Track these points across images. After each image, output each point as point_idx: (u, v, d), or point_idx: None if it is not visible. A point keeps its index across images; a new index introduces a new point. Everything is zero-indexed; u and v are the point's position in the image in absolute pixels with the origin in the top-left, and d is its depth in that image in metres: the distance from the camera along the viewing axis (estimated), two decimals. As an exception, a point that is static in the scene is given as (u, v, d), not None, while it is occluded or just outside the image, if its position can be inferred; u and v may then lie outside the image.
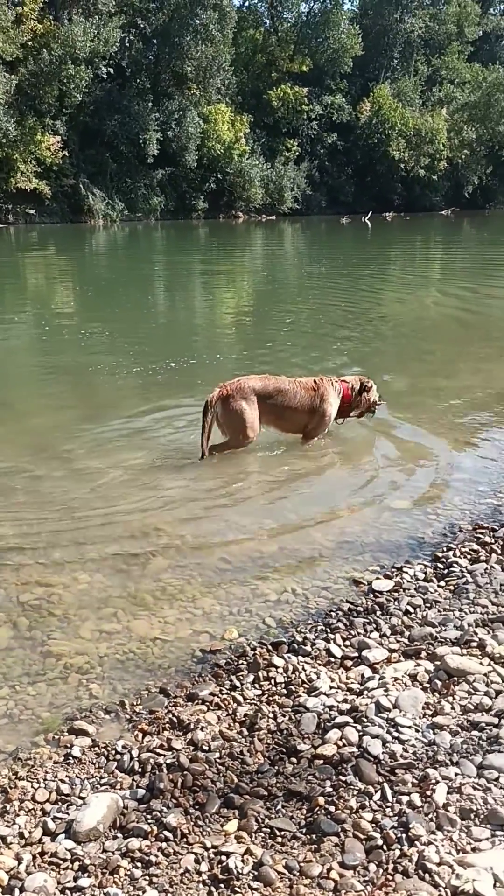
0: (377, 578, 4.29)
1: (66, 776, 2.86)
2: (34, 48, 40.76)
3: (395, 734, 2.90)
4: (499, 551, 4.52)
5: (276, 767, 2.81)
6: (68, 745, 3.05)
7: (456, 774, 2.68)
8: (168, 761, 2.88)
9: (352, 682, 3.31)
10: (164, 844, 2.49)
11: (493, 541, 4.66)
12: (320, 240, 38.42)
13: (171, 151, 47.75)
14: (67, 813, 2.66)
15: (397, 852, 2.37)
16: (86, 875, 2.39)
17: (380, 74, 63.22)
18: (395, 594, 4.11)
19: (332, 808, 2.57)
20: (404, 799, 2.58)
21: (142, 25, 46.44)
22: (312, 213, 56.49)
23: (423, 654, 3.46)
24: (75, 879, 2.38)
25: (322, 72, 57.35)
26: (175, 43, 47.16)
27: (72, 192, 44.36)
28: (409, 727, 2.93)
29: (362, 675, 3.34)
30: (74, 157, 43.98)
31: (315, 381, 6.28)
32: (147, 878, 2.37)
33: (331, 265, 24.24)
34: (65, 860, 2.45)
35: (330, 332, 12.33)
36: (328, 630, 3.78)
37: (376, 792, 2.63)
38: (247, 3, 58.82)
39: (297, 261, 27.55)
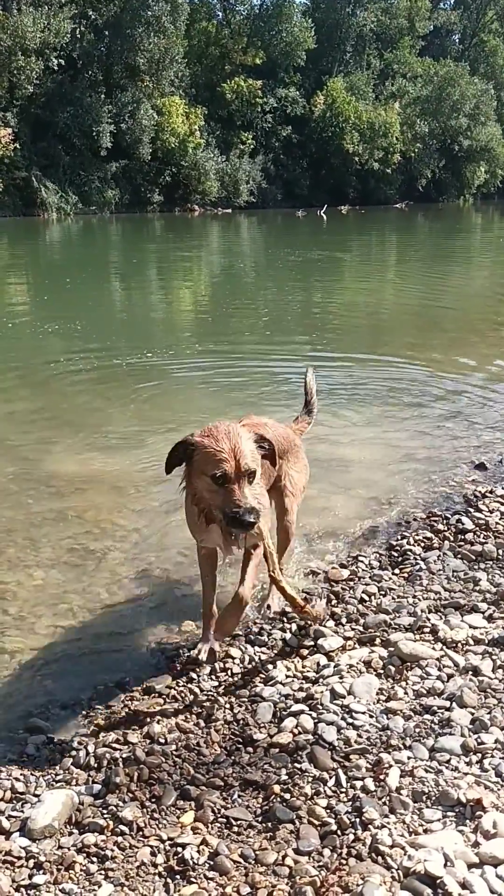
0: (333, 568, 4.33)
1: (21, 774, 2.83)
2: (-18, 39, 39.95)
3: (350, 720, 2.93)
4: (451, 538, 4.59)
5: (233, 757, 2.82)
6: (23, 743, 3.02)
7: (409, 758, 2.72)
8: (124, 755, 2.87)
9: (307, 671, 3.33)
10: (119, 838, 2.48)
11: (445, 528, 4.73)
12: (277, 233, 38.45)
13: (125, 144, 47.25)
14: (22, 811, 2.63)
15: (351, 837, 2.39)
16: (41, 872, 2.37)
17: (333, 68, 63.42)
18: (351, 583, 4.14)
19: (287, 796, 2.58)
20: (358, 784, 2.61)
21: (93, 16, 45.78)
22: (268, 206, 56.46)
23: (378, 640, 3.50)
24: (30, 877, 2.36)
25: (275, 65, 57.33)
26: (127, 35, 46.62)
27: (24, 185, 43.57)
28: (363, 713, 2.97)
29: (318, 664, 3.37)
30: (26, 149, 43.20)
31: None
32: (103, 872, 2.36)
33: (291, 257, 24.27)
34: (19, 858, 2.43)
35: (296, 324, 12.40)
36: (285, 620, 3.80)
37: (331, 778, 2.65)
38: (199, -5, 58.46)
39: (258, 254, 27.54)
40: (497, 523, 4.76)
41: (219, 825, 2.51)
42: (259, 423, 3.59)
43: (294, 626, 3.71)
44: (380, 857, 2.30)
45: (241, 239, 34.99)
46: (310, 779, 2.65)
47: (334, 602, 3.94)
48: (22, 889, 2.31)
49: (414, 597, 3.92)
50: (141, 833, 2.50)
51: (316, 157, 59.83)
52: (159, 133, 48.50)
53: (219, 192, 52.94)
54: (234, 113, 55.30)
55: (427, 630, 3.53)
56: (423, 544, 4.52)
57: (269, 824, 2.49)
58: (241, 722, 3.01)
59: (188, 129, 49.95)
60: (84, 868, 2.38)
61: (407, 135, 63.12)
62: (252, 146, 56.15)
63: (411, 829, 2.42)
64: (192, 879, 2.30)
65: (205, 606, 3.64)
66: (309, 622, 3.63)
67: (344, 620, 3.73)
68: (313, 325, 12.73)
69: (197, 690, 3.26)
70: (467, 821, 2.44)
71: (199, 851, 2.39)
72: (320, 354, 9.98)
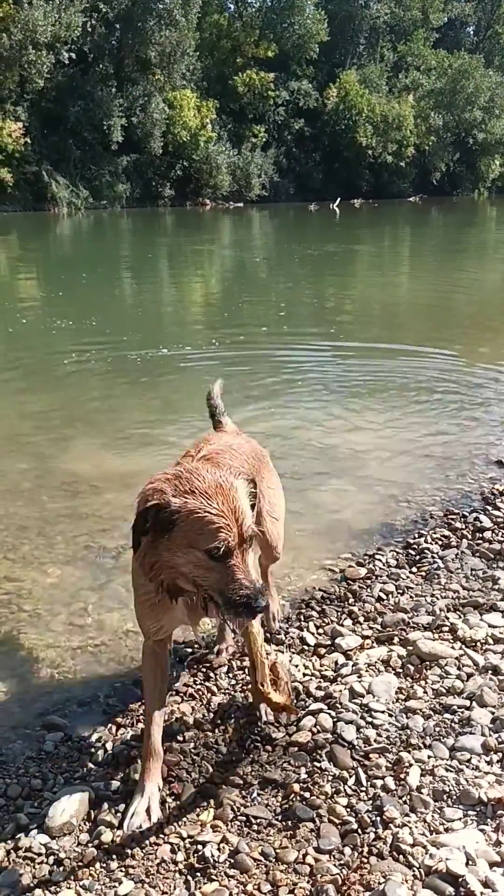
0: (350, 566, 4.31)
1: (39, 771, 2.83)
2: (-6, 33, 39.97)
3: (369, 719, 2.92)
4: (469, 537, 4.57)
5: (252, 756, 2.81)
6: (41, 740, 3.02)
7: (429, 757, 2.71)
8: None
9: (325, 670, 3.32)
10: (139, 836, 2.48)
11: (463, 526, 4.71)
12: (290, 227, 38.33)
13: (136, 138, 47.24)
14: (40, 808, 2.64)
15: (372, 835, 2.39)
16: (61, 869, 2.38)
17: (346, 60, 63.18)
18: (368, 581, 4.13)
19: (307, 795, 2.58)
20: (378, 783, 2.60)
21: (104, 10, 45.72)
22: (280, 200, 56.31)
23: (396, 639, 3.49)
24: (50, 874, 2.36)
25: (288, 57, 57.12)
26: (138, 28, 46.58)
27: (34, 179, 43.63)
28: (382, 712, 2.96)
29: (336, 662, 3.36)
30: (37, 143, 43.25)
31: None
32: (123, 869, 2.36)
33: (308, 251, 24.19)
34: (39, 854, 2.43)
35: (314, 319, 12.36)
36: (301, 618, 3.79)
37: (351, 777, 2.64)
38: (211, -12, 58.24)
39: (271, 248, 27.46)
40: (514, 521, 4.73)
41: (238, 823, 2.51)
42: (223, 450, 2.78)
43: (311, 625, 3.70)
44: (401, 856, 2.29)
45: (254, 233, 34.92)
46: (330, 777, 2.65)
47: (351, 600, 3.93)
48: (42, 885, 2.32)
49: (432, 595, 3.90)
50: (161, 830, 2.50)
51: (329, 151, 59.63)
52: (171, 127, 48.45)
53: (230, 186, 52.86)
54: (245, 106, 55.16)
55: (446, 629, 3.52)
56: (440, 542, 4.51)
57: (290, 823, 2.49)
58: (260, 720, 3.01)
59: (200, 123, 49.88)
60: (104, 865, 2.38)
61: (421, 128, 62.78)
62: (264, 139, 56.01)
63: (432, 828, 2.41)
64: (213, 877, 2.30)
65: (146, 735, 2.65)
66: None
67: (361, 619, 3.72)
68: (330, 318, 12.70)
69: (214, 688, 3.26)
70: (489, 820, 2.43)
71: (219, 849, 2.39)
72: (337, 344, 9.96)
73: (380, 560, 4.35)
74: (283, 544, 3.46)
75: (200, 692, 3.24)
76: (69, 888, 2.31)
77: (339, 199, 52.73)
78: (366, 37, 65.85)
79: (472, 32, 79.09)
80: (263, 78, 54.41)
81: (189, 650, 3.58)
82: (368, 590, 4.01)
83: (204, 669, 3.41)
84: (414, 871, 2.25)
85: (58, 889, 2.31)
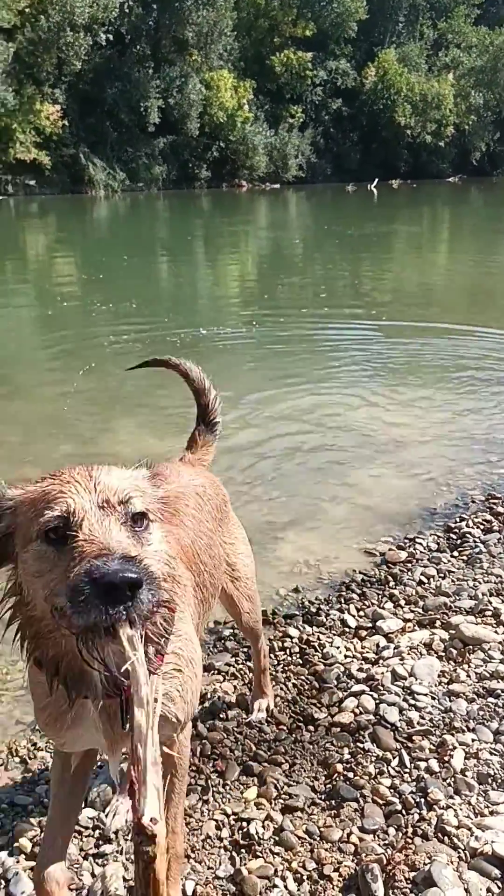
0: (390, 549, 4.30)
1: (86, 745, 2.88)
2: (32, 15, 40.12)
3: (412, 702, 2.92)
4: (512, 521, 4.52)
5: (294, 735, 2.83)
6: (86, 715, 3.06)
7: (473, 740, 2.70)
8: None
9: (367, 652, 3.32)
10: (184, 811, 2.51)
11: (505, 510, 4.66)
12: (328, 209, 37.96)
13: (173, 119, 47.16)
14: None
15: (416, 816, 2.39)
16: (107, 842, 2.42)
17: (385, 39, 62.17)
18: (409, 565, 4.11)
19: (350, 775, 2.59)
20: (422, 765, 2.60)
21: (141, -10, 45.65)
22: (317, 181, 55.81)
23: (438, 623, 3.47)
24: (97, 846, 2.41)
25: (326, 36, 56.39)
26: (175, 8, 46.37)
27: (72, 162, 43.89)
28: (425, 695, 2.95)
29: (377, 645, 3.36)
30: (74, 126, 43.44)
31: None
32: (169, 843, 2.39)
33: (348, 231, 23.98)
34: (86, 828, 2.48)
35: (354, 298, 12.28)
36: (342, 601, 3.79)
37: (394, 758, 2.65)
38: (248, -34, 57.58)
39: (310, 230, 27.27)
40: None
41: (282, 801, 2.53)
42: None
43: (352, 608, 3.70)
44: (446, 838, 2.29)
45: (291, 214, 34.68)
46: (373, 758, 2.65)
47: (392, 584, 3.91)
48: (90, 857, 2.37)
49: (474, 580, 3.87)
50: (206, 807, 2.53)
51: (367, 131, 58.93)
52: (207, 108, 48.27)
53: (267, 167, 52.56)
54: (283, 86, 54.68)
55: (489, 613, 3.49)
56: (482, 527, 4.46)
57: (333, 802, 2.50)
58: (302, 700, 3.02)
59: (236, 104, 49.61)
60: (150, 839, 2.41)
61: (461, 107, 61.66)
62: (301, 120, 55.51)
63: (477, 811, 2.40)
64: (258, 854, 2.32)
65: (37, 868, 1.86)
66: None
67: (402, 602, 3.71)
68: (371, 298, 12.61)
69: (257, 668, 3.27)
70: (534, 806, 2.41)
71: (264, 827, 2.41)
72: (379, 324, 9.88)
73: (420, 544, 4.33)
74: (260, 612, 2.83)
75: (242, 671, 3.26)
76: (116, 860, 2.35)
77: (376, 179, 52.08)
78: (405, 14, 64.68)
79: (515, 7, 77.16)
80: (301, 57, 53.82)
81: (228, 631, 3.59)
82: (409, 573, 3.99)
83: (246, 649, 3.43)
84: (459, 852, 2.25)
85: (105, 861, 2.35)
